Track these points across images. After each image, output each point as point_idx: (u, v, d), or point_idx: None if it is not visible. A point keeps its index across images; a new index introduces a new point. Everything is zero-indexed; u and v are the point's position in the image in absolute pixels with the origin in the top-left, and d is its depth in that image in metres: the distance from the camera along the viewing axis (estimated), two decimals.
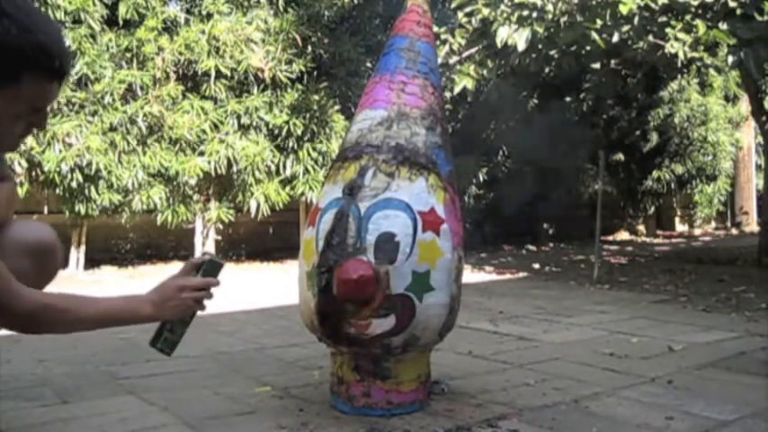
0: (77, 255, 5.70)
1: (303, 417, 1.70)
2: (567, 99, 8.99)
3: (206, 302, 1.52)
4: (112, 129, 5.38)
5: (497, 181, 8.18)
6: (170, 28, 5.82)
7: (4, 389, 1.92)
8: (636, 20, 4.35)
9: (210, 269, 1.53)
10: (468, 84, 5.19)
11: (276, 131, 6.01)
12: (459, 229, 1.75)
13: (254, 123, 5.92)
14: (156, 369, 2.24)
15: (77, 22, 5.31)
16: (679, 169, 9.79)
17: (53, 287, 1.53)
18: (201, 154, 5.73)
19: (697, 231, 11.81)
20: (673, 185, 9.88)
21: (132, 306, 1.45)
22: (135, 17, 5.60)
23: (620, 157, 9.63)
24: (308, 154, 6.03)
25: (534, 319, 3.32)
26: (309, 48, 6.18)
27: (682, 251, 7.86)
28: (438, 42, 5.04)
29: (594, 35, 4.49)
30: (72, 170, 5.11)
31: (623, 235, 10.70)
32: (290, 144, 6.03)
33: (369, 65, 6.32)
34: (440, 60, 4.91)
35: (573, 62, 5.28)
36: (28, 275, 1.48)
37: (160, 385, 2.02)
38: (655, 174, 9.76)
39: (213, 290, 1.52)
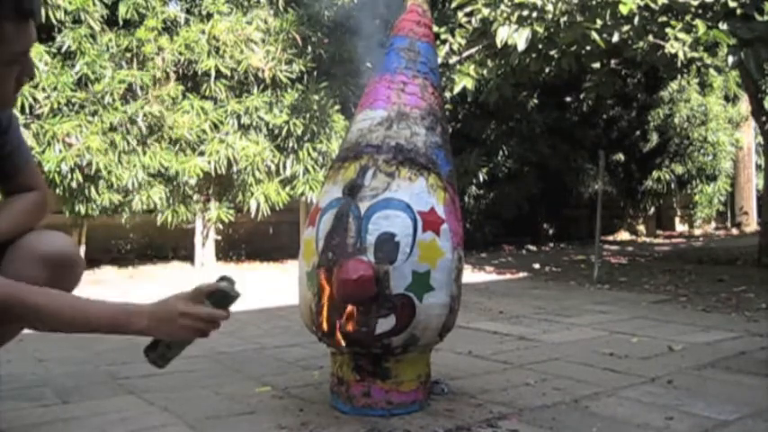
0: None
1: (303, 417, 1.70)
2: (568, 99, 8.99)
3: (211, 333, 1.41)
4: (112, 129, 5.37)
5: (497, 181, 8.17)
6: (170, 28, 5.81)
7: (4, 389, 1.92)
8: (636, 20, 4.35)
9: (222, 301, 1.43)
10: (468, 84, 5.19)
11: (276, 131, 6.01)
12: (459, 229, 1.75)
13: (254, 123, 5.91)
14: (156, 369, 2.24)
15: (77, 22, 5.30)
16: (679, 169, 9.78)
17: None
18: (201, 154, 5.73)
19: (697, 231, 11.79)
20: (673, 185, 9.86)
21: (126, 316, 1.36)
22: (135, 17, 5.59)
23: (620, 157, 9.63)
24: (308, 154, 6.03)
25: (534, 319, 3.32)
26: (309, 48, 6.18)
27: (682, 251, 7.85)
28: (438, 42, 5.04)
29: (594, 35, 4.49)
30: (72, 170, 5.10)
31: (623, 235, 10.69)
32: (290, 144, 6.03)
33: (369, 65, 6.31)
34: (440, 60, 4.91)
35: (573, 62, 5.28)
36: (41, 286, 1.47)
37: (160, 385, 2.02)
38: (655, 174, 9.75)
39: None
